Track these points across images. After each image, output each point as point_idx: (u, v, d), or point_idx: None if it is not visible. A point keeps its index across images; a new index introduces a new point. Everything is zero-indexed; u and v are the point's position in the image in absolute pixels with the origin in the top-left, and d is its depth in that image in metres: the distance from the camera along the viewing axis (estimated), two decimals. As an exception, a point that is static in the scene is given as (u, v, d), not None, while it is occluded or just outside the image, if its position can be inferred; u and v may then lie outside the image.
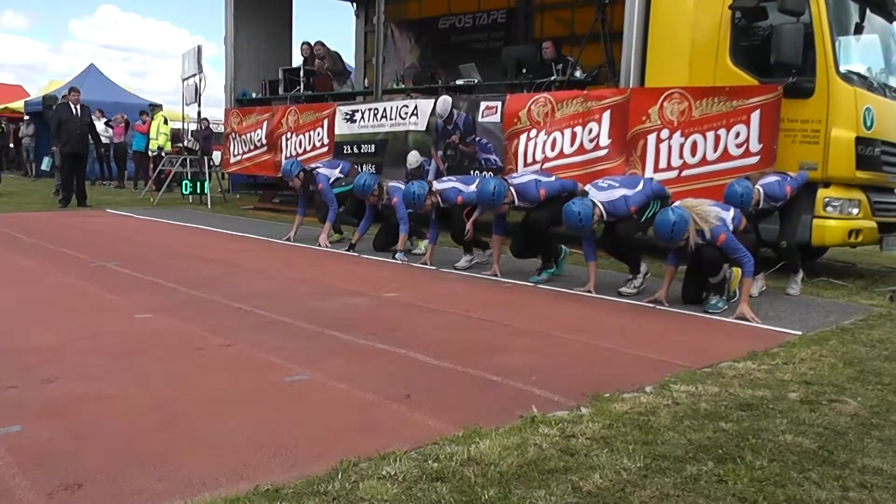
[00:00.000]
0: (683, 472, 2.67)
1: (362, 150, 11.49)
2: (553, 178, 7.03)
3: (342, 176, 9.13)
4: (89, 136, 13.79)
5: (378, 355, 4.20)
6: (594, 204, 6.05)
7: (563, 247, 7.02)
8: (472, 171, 9.73)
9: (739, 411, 3.36)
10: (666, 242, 5.59)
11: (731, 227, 5.51)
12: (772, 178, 6.50)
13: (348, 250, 8.35)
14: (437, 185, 7.54)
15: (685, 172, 7.83)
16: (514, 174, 7.60)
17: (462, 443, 2.84)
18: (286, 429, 3.01)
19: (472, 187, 7.37)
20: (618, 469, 2.67)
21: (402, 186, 7.99)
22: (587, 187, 6.40)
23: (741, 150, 7.47)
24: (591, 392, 3.53)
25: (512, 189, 6.69)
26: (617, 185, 6.31)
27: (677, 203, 5.69)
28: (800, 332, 5.07)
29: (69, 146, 13.12)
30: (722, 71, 7.85)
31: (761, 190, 6.33)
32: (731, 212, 5.68)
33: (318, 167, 9.34)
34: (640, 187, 6.31)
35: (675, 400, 3.48)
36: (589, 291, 6.28)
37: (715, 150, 7.64)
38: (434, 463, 2.66)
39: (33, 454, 2.68)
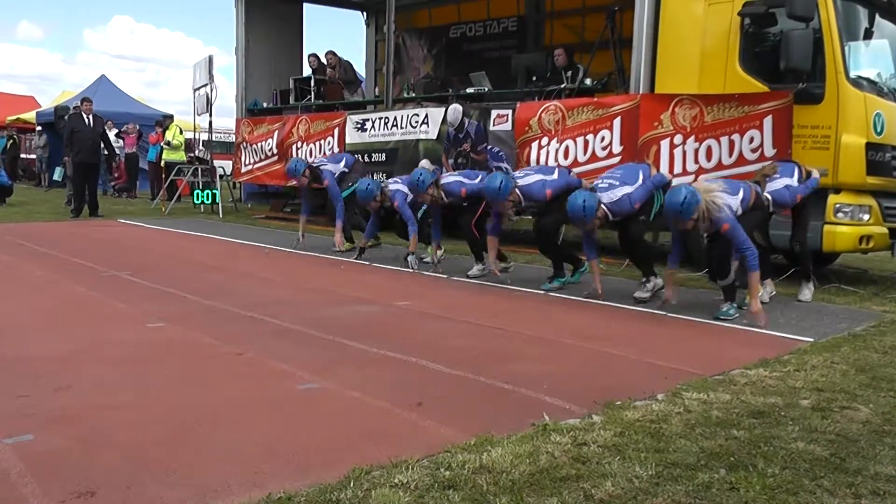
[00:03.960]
0: (695, 480, 2.66)
1: (373, 159, 11.52)
2: (557, 176, 6.86)
3: (347, 170, 9.23)
4: (102, 147, 13.89)
5: (389, 363, 4.21)
6: (599, 202, 6.00)
7: (584, 260, 6.92)
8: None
9: (751, 419, 3.35)
10: (674, 220, 5.51)
11: (740, 211, 5.51)
12: (780, 185, 6.38)
13: (357, 257, 8.38)
14: (441, 180, 7.55)
15: (702, 177, 7.81)
16: (520, 172, 7.31)
17: (474, 451, 2.84)
18: (298, 437, 3.02)
19: (476, 181, 7.36)
20: (630, 477, 2.67)
21: (402, 186, 7.99)
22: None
23: (756, 154, 7.45)
24: (602, 400, 3.53)
25: (517, 191, 6.64)
26: (617, 182, 6.18)
27: (692, 185, 5.63)
28: (811, 339, 5.04)
29: (81, 156, 13.21)
30: (732, 77, 7.83)
31: (770, 197, 6.28)
32: (741, 193, 5.66)
33: (323, 163, 9.41)
34: (640, 181, 6.20)
35: (686, 407, 3.47)
36: (596, 291, 6.25)
37: (730, 155, 7.63)
38: (446, 471, 2.66)
39: (46, 462, 2.69)
